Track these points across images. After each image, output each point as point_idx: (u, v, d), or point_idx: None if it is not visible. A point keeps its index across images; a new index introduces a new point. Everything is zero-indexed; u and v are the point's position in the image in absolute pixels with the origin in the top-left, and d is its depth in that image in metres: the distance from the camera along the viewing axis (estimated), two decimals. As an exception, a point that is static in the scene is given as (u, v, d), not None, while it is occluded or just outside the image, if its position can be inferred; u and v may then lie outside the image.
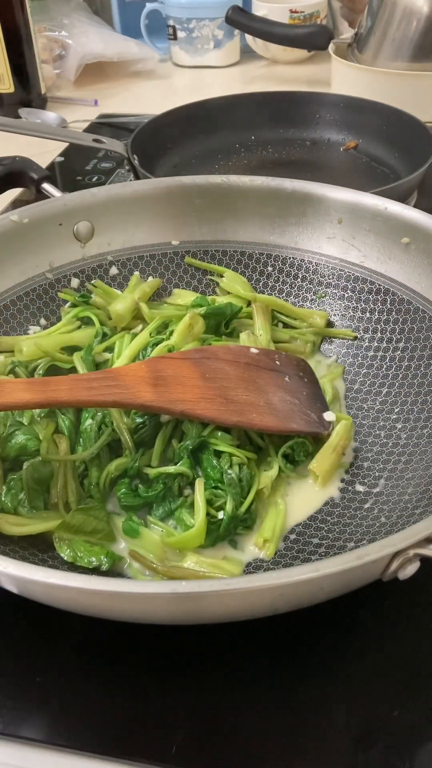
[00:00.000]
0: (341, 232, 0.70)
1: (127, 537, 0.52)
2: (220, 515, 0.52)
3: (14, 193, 1.00)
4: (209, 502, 0.53)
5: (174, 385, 0.55)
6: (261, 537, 0.53)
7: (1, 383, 0.50)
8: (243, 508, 0.53)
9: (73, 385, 0.51)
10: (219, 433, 0.56)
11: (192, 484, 0.54)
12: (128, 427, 0.57)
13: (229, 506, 0.52)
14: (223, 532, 0.52)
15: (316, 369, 0.66)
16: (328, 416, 0.60)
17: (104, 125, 1.28)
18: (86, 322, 0.68)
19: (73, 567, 0.50)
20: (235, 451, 0.55)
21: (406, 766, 0.41)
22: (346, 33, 1.40)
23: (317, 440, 0.59)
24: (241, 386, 0.58)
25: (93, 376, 0.54)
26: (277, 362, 0.62)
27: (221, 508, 0.52)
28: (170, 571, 0.49)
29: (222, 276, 0.73)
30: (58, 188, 0.82)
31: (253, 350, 0.62)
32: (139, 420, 0.57)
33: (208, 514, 0.52)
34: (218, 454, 0.55)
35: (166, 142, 1.05)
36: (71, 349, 0.65)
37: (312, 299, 0.72)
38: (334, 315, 0.70)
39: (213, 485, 0.53)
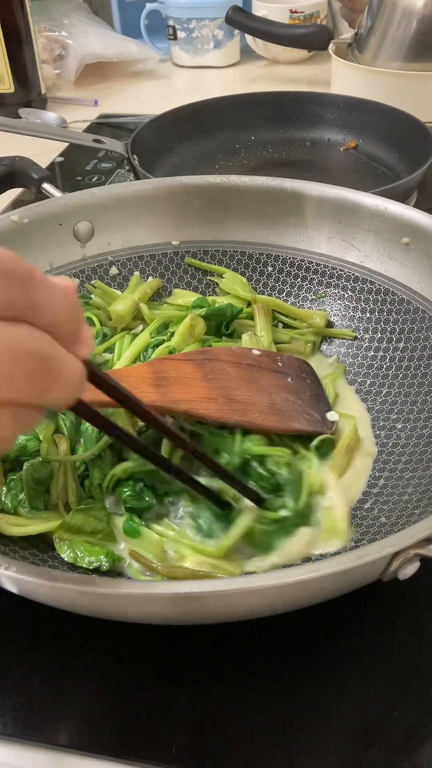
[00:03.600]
0: (341, 232, 0.70)
1: (127, 537, 0.52)
2: (283, 513, 0.52)
3: (14, 193, 1.00)
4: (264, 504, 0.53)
5: (177, 386, 0.55)
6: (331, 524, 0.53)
7: None
8: (302, 503, 0.53)
9: None
10: (252, 438, 0.56)
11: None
12: (131, 430, 0.56)
13: (290, 503, 0.52)
14: (290, 526, 0.51)
15: (317, 369, 0.66)
16: (331, 416, 0.60)
17: (104, 125, 1.28)
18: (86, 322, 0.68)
19: (73, 567, 0.50)
20: (276, 451, 0.55)
21: (406, 766, 0.41)
22: (346, 33, 1.40)
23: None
24: (244, 387, 0.58)
25: None
26: (279, 364, 0.62)
27: (282, 507, 0.52)
28: (170, 571, 0.49)
29: (222, 276, 0.73)
30: (58, 188, 0.82)
31: (255, 352, 0.62)
32: (141, 423, 0.56)
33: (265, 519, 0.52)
34: (260, 459, 0.55)
35: (166, 142, 1.05)
36: (71, 350, 0.65)
37: (312, 299, 0.72)
38: (334, 315, 0.70)
39: (268, 489, 0.53)
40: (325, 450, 0.58)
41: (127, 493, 0.54)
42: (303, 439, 0.58)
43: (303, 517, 0.53)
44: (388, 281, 0.67)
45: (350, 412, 0.63)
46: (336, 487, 0.55)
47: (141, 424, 0.57)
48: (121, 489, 0.54)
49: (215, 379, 0.57)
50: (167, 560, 0.51)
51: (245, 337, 0.66)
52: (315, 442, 0.57)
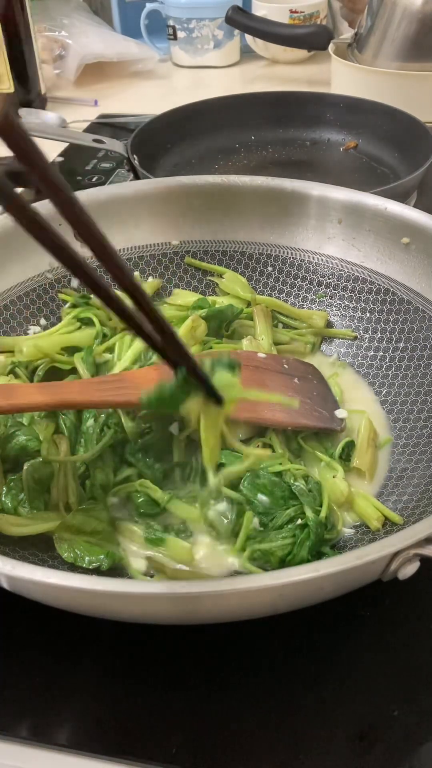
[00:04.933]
0: (341, 232, 0.70)
1: (151, 546, 0.52)
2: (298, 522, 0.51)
3: (14, 193, 1.00)
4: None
5: None
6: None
7: (13, 387, 0.50)
8: (323, 514, 0.52)
9: (84, 387, 0.52)
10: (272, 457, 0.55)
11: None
12: (133, 432, 0.56)
13: (308, 513, 0.51)
14: (315, 538, 0.50)
15: (318, 369, 0.66)
16: (340, 413, 0.61)
17: (104, 125, 1.28)
18: (86, 322, 0.68)
19: (73, 567, 0.50)
20: (292, 467, 0.55)
21: (406, 766, 0.41)
22: (346, 33, 1.40)
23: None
24: (251, 387, 0.58)
25: (104, 379, 0.54)
26: (285, 366, 0.63)
27: (298, 516, 0.52)
28: (179, 573, 0.49)
29: (222, 276, 0.73)
30: (58, 188, 0.82)
31: (261, 355, 0.62)
32: (145, 425, 0.57)
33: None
34: (277, 473, 0.55)
35: (166, 142, 1.05)
36: (71, 350, 0.65)
37: (312, 299, 0.72)
38: (334, 315, 0.70)
39: (279, 497, 0.53)
40: (348, 453, 0.58)
41: (141, 499, 0.54)
42: (326, 447, 0.58)
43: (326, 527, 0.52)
44: (388, 281, 0.67)
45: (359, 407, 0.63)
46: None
47: (144, 425, 0.56)
48: (135, 494, 0.55)
49: None
50: (195, 563, 0.51)
51: (245, 341, 0.66)
52: (338, 449, 0.57)
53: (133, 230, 0.73)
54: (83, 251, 0.36)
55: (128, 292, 0.39)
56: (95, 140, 0.98)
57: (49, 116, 1.27)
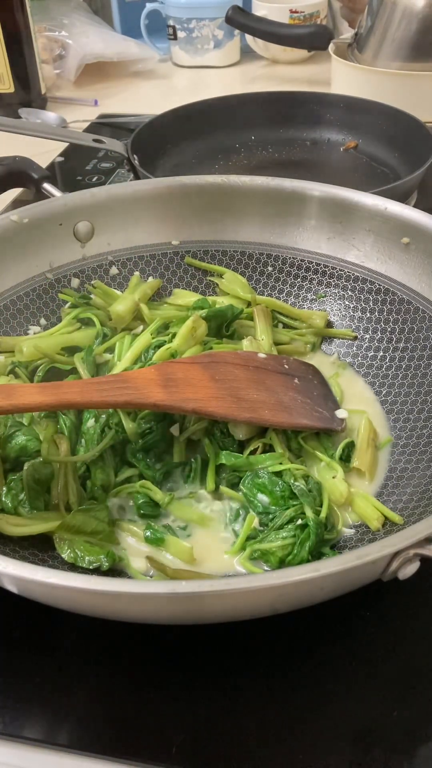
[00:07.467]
0: (341, 232, 0.70)
1: (152, 546, 0.52)
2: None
3: (14, 193, 1.00)
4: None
5: (184, 386, 0.55)
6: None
7: (13, 387, 0.50)
8: (323, 514, 0.52)
9: (84, 387, 0.52)
10: (265, 456, 0.56)
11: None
12: (134, 432, 0.56)
13: (309, 513, 0.51)
14: (315, 538, 0.50)
15: (318, 369, 0.66)
16: (341, 413, 0.61)
17: (104, 125, 1.28)
18: (86, 322, 0.68)
19: (73, 567, 0.50)
20: (293, 466, 0.55)
21: (406, 766, 0.41)
22: (346, 33, 1.40)
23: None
24: (252, 387, 0.58)
25: (104, 379, 0.54)
26: (286, 366, 0.63)
27: (298, 516, 0.52)
28: (179, 573, 0.49)
29: (222, 276, 0.73)
30: (58, 188, 0.82)
31: (261, 355, 0.62)
32: (146, 425, 0.57)
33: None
34: (278, 473, 0.55)
35: (166, 142, 1.05)
36: (71, 350, 0.65)
37: (312, 299, 0.72)
38: (334, 315, 0.70)
39: (279, 497, 0.53)
40: (348, 453, 0.58)
41: (141, 500, 0.54)
42: (326, 447, 0.58)
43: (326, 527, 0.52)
44: (388, 281, 0.67)
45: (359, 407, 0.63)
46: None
47: (145, 425, 0.57)
48: (135, 495, 0.55)
49: (222, 380, 0.57)
50: (196, 563, 0.51)
51: (245, 342, 0.66)
52: (338, 451, 0.57)
53: (133, 230, 0.73)
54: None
55: None
56: (95, 140, 0.98)
57: (49, 116, 1.27)
